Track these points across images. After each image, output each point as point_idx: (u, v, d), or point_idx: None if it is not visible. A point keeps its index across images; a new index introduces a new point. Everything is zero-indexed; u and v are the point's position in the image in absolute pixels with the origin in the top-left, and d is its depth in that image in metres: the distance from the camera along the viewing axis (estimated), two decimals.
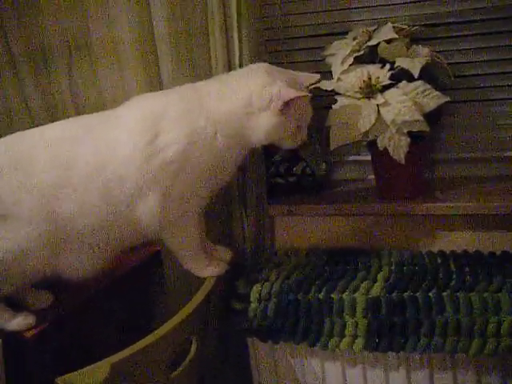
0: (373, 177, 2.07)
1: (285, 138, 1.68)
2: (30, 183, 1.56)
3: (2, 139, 1.67)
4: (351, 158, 2.19)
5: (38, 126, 2.02)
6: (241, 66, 1.91)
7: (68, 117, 2.00)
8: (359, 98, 1.83)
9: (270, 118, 1.62)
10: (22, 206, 1.55)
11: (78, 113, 2.12)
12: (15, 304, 1.64)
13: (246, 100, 1.62)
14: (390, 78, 1.81)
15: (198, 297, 1.63)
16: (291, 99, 1.60)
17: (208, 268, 1.75)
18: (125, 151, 1.60)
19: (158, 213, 1.63)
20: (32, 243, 1.56)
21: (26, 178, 1.57)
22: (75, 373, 1.31)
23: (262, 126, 1.63)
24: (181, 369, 1.57)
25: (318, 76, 1.74)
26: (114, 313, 1.88)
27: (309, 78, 1.72)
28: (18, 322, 1.59)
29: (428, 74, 1.84)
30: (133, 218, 1.63)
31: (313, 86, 1.79)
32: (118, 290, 1.87)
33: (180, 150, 1.59)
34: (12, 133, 2.14)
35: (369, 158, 2.06)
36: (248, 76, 1.68)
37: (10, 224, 1.55)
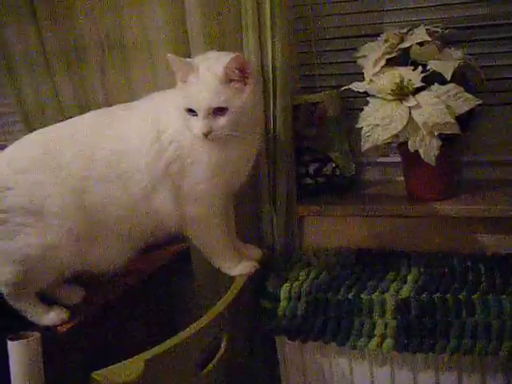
0: (401, 178, 2.07)
1: None
2: (58, 177, 1.60)
3: (29, 135, 1.71)
4: (380, 159, 2.19)
5: None
6: (273, 67, 1.92)
7: None
8: (391, 100, 1.83)
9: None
10: (52, 201, 1.58)
11: None
12: (49, 299, 1.66)
13: None
14: (422, 81, 1.81)
15: (229, 295, 1.64)
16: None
17: (238, 267, 1.76)
18: (135, 145, 1.64)
19: (172, 209, 1.66)
20: (62, 237, 1.59)
21: (55, 172, 1.60)
22: (110, 368, 1.32)
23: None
24: (211, 366, 1.58)
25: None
26: (144, 310, 1.90)
27: None
28: (53, 316, 1.61)
29: (460, 77, 1.83)
30: (151, 210, 1.66)
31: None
32: (147, 287, 1.89)
33: (177, 147, 1.62)
34: None
35: (398, 159, 2.06)
36: None
37: (40, 220, 1.58)
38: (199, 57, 1.67)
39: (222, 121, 1.57)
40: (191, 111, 1.58)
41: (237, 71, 1.57)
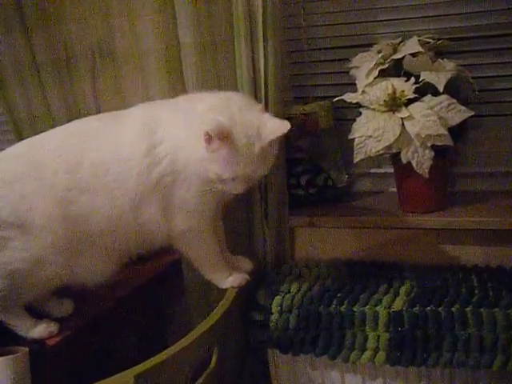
0: (394, 189, 2.07)
1: None
2: (42, 188, 1.56)
3: (13, 146, 1.68)
4: (373, 170, 2.18)
5: None
6: (266, 76, 1.91)
7: None
8: (384, 111, 1.83)
9: None
10: (36, 213, 1.55)
11: None
12: (37, 312, 1.64)
13: None
14: (415, 92, 1.81)
15: (220, 308, 1.62)
16: None
17: (229, 279, 1.74)
18: (126, 155, 1.60)
19: (161, 222, 1.64)
20: (47, 250, 1.56)
21: (39, 183, 1.56)
22: (99, 383, 1.30)
23: None
24: (201, 380, 1.56)
25: None
26: (134, 323, 1.88)
27: None
28: (41, 329, 1.59)
29: (453, 88, 1.83)
30: (138, 222, 1.63)
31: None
32: (137, 299, 1.87)
33: (171, 161, 1.59)
34: None
35: (390, 170, 2.06)
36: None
37: (25, 233, 1.55)
38: (224, 111, 1.57)
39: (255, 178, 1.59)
40: None
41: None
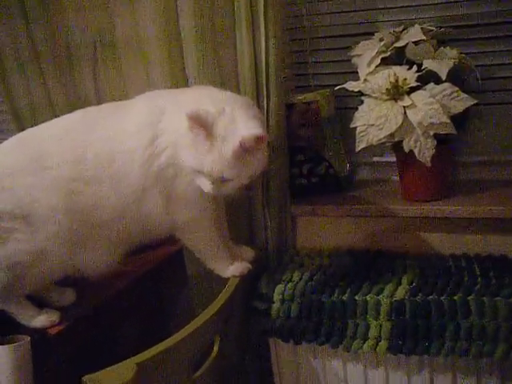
0: (396, 178, 2.06)
1: None
2: (45, 179, 1.56)
3: (13, 137, 1.66)
4: (375, 159, 2.18)
5: None
6: (267, 64, 1.90)
7: None
8: (386, 100, 1.82)
9: None
10: (39, 205, 1.55)
11: None
12: (39, 301, 1.65)
13: None
14: (417, 80, 1.80)
15: (222, 297, 1.63)
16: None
17: (231, 268, 1.75)
18: (131, 146, 1.60)
19: (163, 212, 1.64)
20: (51, 242, 1.56)
21: (41, 174, 1.56)
22: (102, 372, 1.30)
23: None
24: (203, 368, 1.57)
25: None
26: (137, 311, 1.88)
27: None
28: (43, 318, 1.59)
29: (455, 76, 1.82)
30: (142, 213, 1.63)
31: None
32: (140, 288, 1.87)
33: (172, 154, 1.59)
34: None
35: (392, 159, 2.05)
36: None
37: (29, 225, 1.55)
38: (210, 103, 1.56)
39: (230, 185, 1.56)
40: None
41: (252, 145, 1.51)
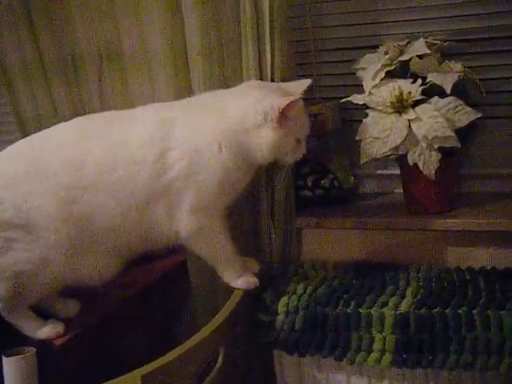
0: (400, 191, 2.06)
1: (286, 153, 1.68)
2: (44, 187, 1.56)
3: (13, 145, 1.67)
4: (379, 171, 2.18)
5: None
6: (272, 78, 1.90)
7: None
8: (390, 113, 1.82)
9: (270, 133, 1.62)
10: (38, 213, 1.55)
11: None
12: (44, 313, 1.65)
13: (240, 118, 1.62)
14: (422, 94, 1.81)
15: (226, 309, 1.63)
16: (286, 109, 1.59)
17: (239, 280, 1.74)
18: (136, 158, 1.60)
19: (168, 224, 1.64)
20: (51, 250, 1.56)
21: (41, 182, 1.56)
22: (106, 383, 1.31)
23: (263, 143, 1.62)
24: (208, 380, 1.56)
25: (309, 80, 1.74)
26: (141, 323, 1.89)
27: (300, 85, 1.72)
28: (47, 330, 1.60)
29: (460, 90, 1.83)
30: (144, 222, 1.63)
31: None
32: (144, 299, 1.88)
33: (184, 167, 1.59)
34: None
35: (396, 171, 2.06)
36: (240, 94, 1.70)
37: (29, 234, 1.55)
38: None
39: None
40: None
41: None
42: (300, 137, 1.68)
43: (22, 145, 1.68)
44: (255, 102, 1.62)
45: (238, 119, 1.63)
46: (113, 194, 1.59)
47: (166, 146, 1.60)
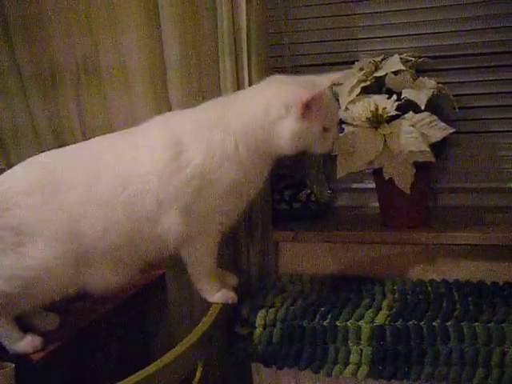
0: (376, 204, 2.08)
1: (314, 144, 1.67)
2: (55, 202, 1.57)
3: (28, 160, 1.68)
4: (355, 185, 2.21)
5: (44, 147, 2.07)
6: None
7: (75, 140, 2.05)
8: (366, 128, 1.85)
9: (292, 124, 1.61)
10: (47, 225, 1.56)
11: (85, 136, 2.14)
12: (23, 325, 1.64)
13: (263, 110, 1.63)
14: (397, 109, 1.83)
15: (204, 323, 1.63)
16: (309, 100, 1.58)
17: (217, 294, 1.74)
18: (146, 167, 1.61)
19: (180, 229, 1.64)
20: (57, 261, 1.56)
21: (52, 197, 1.57)
22: None
23: (286, 134, 1.62)
24: None
25: (339, 74, 1.75)
26: (118, 337, 1.88)
27: (329, 78, 1.71)
28: (26, 343, 1.58)
29: (434, 105, 1.86)
30: (155, 233, 1.63)
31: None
32: (122, 314, 1.87)
33: (198, 165, 1.60)
34: (18, 153, 2.17)
35: (372, 185, 2.08)
36: (264, 87, 1.71)
37: (35, 242, 1.55)
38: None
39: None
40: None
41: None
42: (328, 125, 1.67)
43: (37, 159, 1.68)
44: (277, 94, 1.63)
45: (259, 113, 1.63)
46: (126, 209, 1.60)
47: (180, 149, 1.61)
